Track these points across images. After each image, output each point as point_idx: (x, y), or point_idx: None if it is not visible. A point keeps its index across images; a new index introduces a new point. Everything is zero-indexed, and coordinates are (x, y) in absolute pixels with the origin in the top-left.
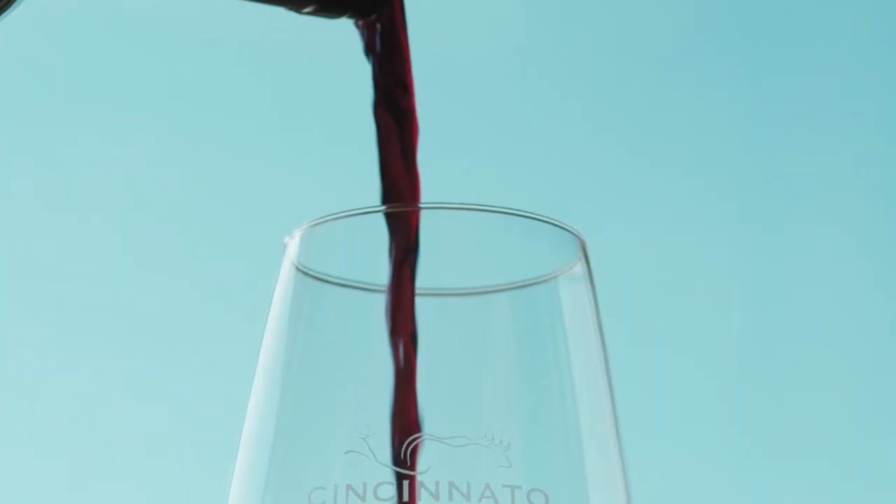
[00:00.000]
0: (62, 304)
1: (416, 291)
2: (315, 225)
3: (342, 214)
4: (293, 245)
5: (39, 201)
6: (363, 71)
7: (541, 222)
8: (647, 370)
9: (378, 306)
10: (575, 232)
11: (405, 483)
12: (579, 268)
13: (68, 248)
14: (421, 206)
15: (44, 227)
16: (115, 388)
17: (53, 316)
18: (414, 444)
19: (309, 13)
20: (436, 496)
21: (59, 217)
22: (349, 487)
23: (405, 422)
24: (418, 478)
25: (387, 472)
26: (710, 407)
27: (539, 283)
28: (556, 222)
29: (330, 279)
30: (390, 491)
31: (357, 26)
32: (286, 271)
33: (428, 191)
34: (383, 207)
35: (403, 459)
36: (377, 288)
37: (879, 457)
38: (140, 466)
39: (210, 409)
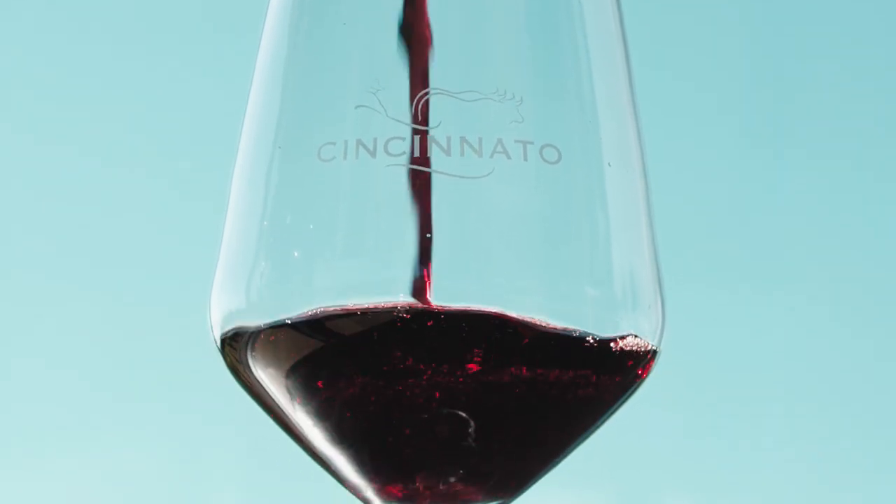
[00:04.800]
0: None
1: None
2: None
3: None
4: None
5: None
6: None
7: None
8: (663, 34)
9: None
10: None
11: (416, 138)
12: None
13: None
14: None
15: None
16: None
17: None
18: (425, 98)
19: None
20: (447, 151)
21: None
22: (359, 143)
23: (417, 75)
24: (430, 132)
25: (397, 127)
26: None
27: None
28: None
29: None
30: (401, 146)
31: None
32: None
33: None
34: None
35: (415, 114)
36: None
37: (882, 148)
38: (147, 147)
39: (216, 76)
